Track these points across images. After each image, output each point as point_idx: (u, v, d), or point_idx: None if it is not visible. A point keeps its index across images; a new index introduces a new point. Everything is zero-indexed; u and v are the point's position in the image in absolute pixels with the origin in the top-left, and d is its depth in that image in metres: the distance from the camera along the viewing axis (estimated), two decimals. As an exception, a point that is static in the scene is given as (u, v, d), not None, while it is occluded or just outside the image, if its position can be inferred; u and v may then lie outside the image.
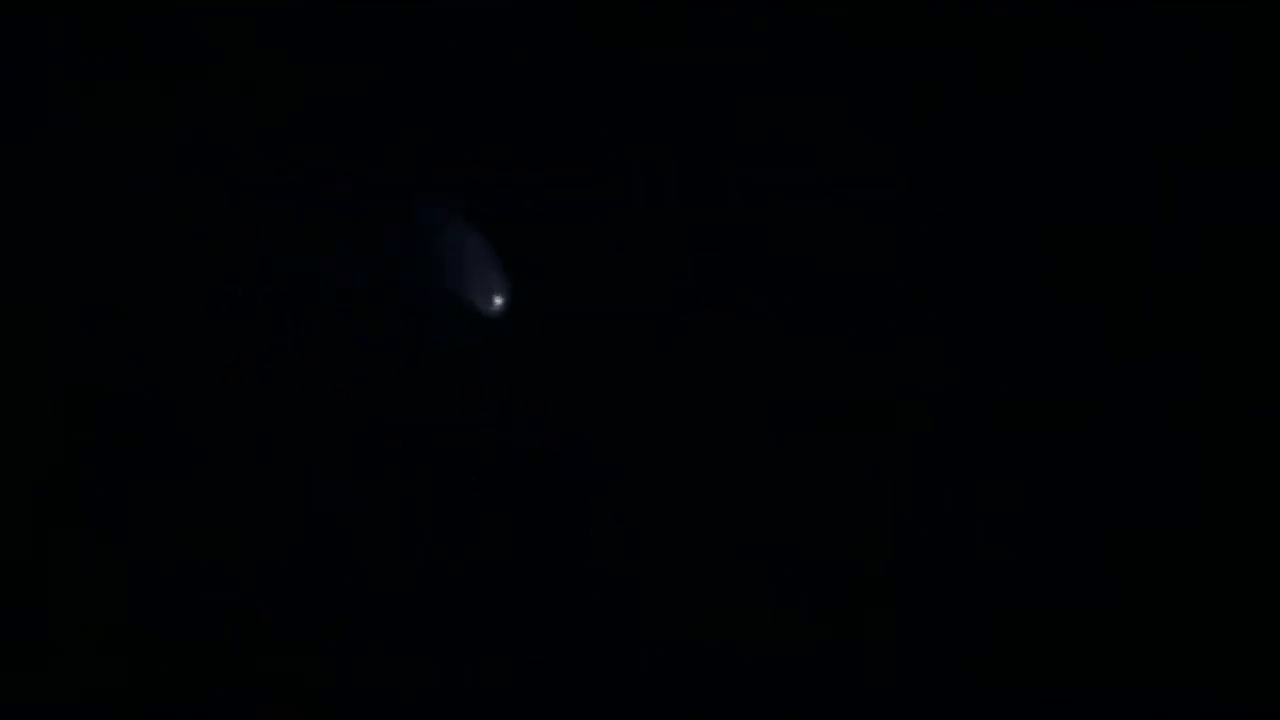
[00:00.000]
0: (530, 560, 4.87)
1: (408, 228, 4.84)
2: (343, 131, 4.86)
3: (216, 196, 4.89)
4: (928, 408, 4.93)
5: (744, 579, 4.86)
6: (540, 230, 4.92)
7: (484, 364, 4.91)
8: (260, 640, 4.77)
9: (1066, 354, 4.93)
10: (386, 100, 4.88)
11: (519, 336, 4.91)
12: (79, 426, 4.80)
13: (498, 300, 4.84)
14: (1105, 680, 4.75)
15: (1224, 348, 4.87)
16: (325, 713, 4.76)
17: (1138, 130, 4.92)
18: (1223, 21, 4.87)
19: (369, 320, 4.90)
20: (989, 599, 4.82)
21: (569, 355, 4.95)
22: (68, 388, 4.80)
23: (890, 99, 4.96)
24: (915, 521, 4.89)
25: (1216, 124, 4.91)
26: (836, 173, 4.94)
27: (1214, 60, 4.90)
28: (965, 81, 4.95)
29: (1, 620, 4.72)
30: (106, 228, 4.85)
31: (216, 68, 4.83)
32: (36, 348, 4.80)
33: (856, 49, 4.94)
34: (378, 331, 4.90)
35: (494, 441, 4.90)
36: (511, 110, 4.95)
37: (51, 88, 4.86)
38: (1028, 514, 4.87)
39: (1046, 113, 4.94)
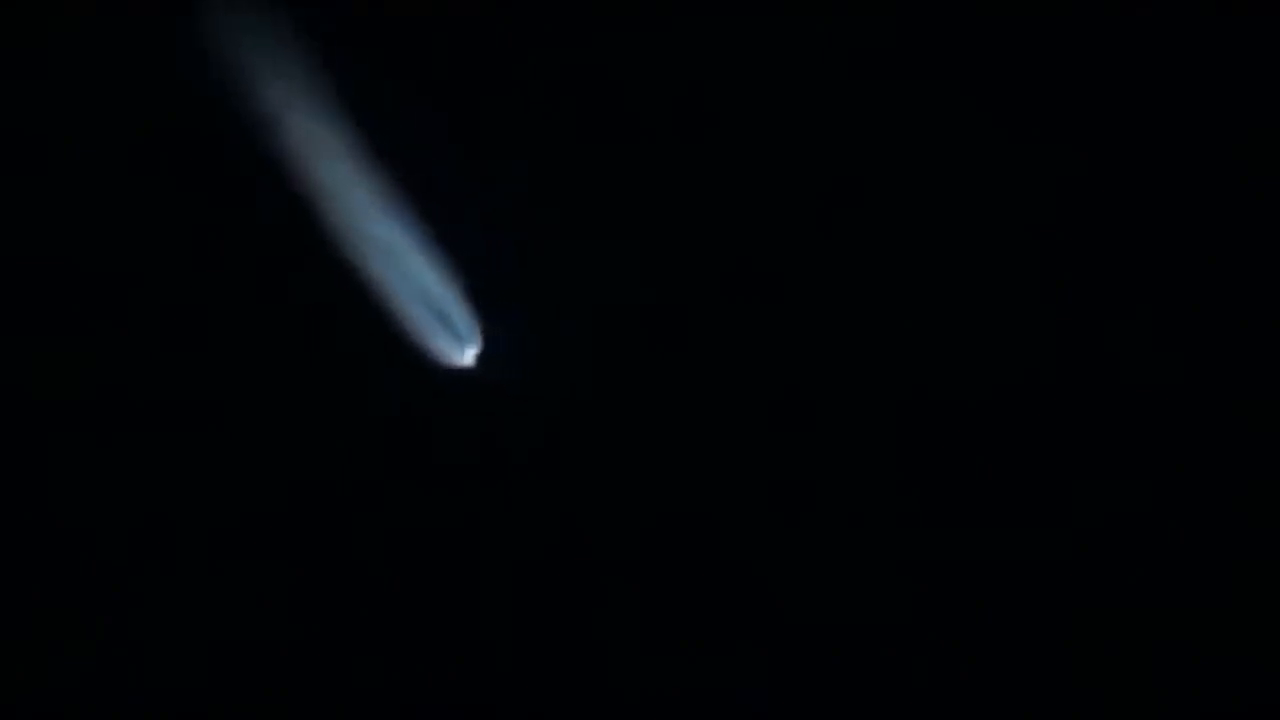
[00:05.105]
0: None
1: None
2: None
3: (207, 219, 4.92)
4: (928, 407, 4.94)
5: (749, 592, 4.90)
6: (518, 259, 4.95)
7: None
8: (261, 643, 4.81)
9: (1066, 354, 4.94)
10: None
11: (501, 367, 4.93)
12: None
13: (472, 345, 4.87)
14: (1106, 679, 4.77)
15: (1224, 347, 4.88)
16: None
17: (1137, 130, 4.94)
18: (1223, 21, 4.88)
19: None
20: (988, 599, 4.84)
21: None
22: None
23: (889, 99, 4.97)
24: (914, 522, 4.91)
25: (1217, 124, 4.92)
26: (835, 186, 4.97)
27: (1214, 60, 4.91)
28: (965, 82, 4.96)
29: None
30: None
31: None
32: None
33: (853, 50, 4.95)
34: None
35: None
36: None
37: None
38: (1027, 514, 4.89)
39: (1046, 113, 4.95)
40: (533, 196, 4.96)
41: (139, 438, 4.87)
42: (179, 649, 4.79)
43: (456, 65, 4.93)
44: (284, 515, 4.86)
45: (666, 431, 4.94)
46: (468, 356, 4.85)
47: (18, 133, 4.88)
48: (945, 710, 4.78)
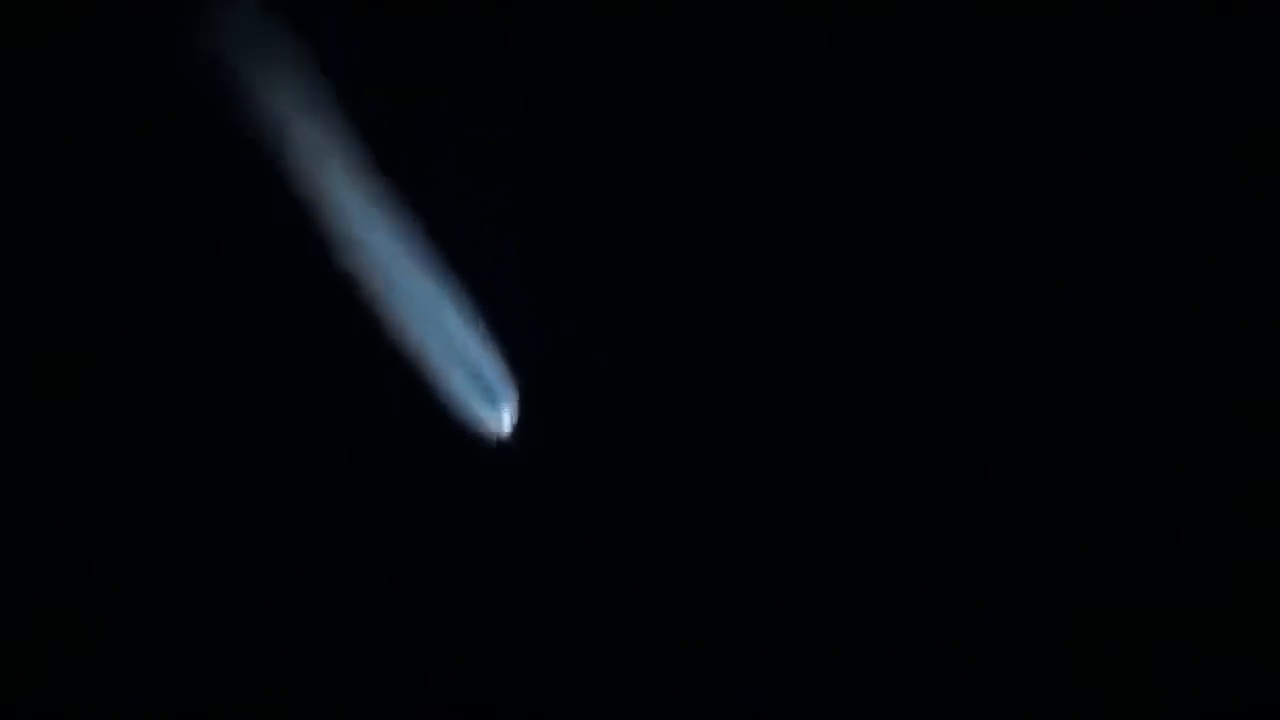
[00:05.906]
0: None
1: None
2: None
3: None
4: (929, 407, 4.94)
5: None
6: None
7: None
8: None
9: (1066, 354, 4.94)
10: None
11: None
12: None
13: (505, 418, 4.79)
14: (1106, 680, 4.77)
15: (1224, 347, 4.88)
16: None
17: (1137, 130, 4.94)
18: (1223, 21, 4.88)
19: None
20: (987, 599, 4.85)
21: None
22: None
23: (889, 99, 4.97)
24: (914, 522, 4.91)
25: (1217, 124, 4.92)
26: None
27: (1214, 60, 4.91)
28: (965, 82, 4.96)
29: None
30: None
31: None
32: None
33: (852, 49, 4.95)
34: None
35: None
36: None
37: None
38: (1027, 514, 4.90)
39: (1046, 113, 4.95)
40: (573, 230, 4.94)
41: (160, 447, 4.87)
42: (180, 649, 4.80)
43: (487, 76, 4.91)
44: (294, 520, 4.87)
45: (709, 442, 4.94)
46: (504, 422, 4.77)
47: (18, 133, 4.88)
48: (945, 710, 4.78)
